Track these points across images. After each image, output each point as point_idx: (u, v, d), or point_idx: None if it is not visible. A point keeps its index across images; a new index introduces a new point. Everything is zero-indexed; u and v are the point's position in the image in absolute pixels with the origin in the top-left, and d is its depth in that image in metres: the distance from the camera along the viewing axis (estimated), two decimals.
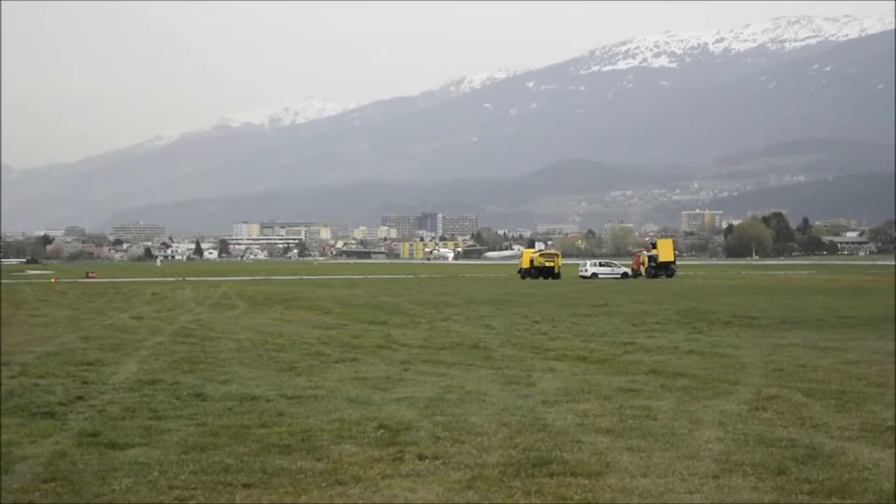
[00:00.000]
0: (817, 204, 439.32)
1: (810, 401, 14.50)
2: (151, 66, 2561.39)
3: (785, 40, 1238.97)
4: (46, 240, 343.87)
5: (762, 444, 11.38)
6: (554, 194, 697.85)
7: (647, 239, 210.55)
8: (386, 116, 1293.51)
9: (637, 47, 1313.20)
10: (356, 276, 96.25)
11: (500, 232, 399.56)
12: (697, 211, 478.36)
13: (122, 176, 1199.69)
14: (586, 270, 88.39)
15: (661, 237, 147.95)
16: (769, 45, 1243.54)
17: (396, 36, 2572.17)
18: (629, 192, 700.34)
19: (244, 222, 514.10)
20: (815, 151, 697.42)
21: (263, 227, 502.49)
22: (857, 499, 9.19)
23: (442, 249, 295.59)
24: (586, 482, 9.73)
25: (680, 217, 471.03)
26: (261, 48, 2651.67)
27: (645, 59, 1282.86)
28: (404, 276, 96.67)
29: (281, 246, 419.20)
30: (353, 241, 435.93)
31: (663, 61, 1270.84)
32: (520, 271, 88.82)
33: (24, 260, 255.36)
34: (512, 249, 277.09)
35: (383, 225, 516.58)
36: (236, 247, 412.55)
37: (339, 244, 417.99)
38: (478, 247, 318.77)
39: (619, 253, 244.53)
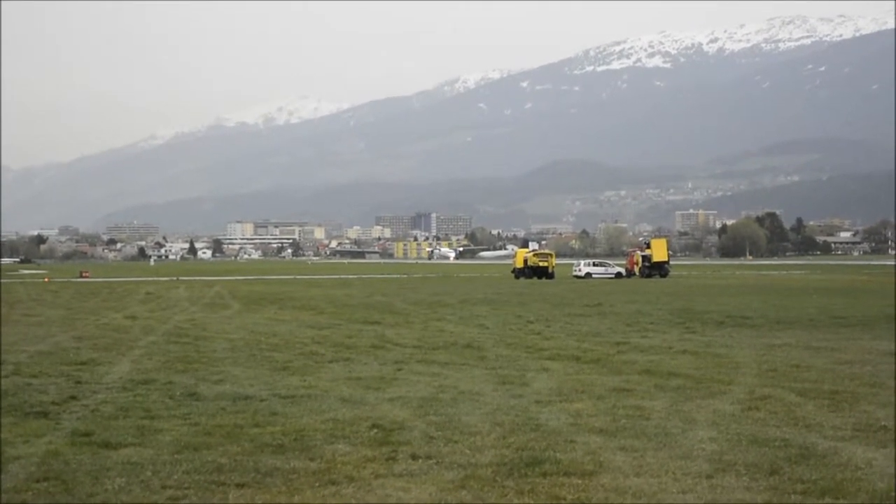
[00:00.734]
0: (811, 204, 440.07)
1: (804, 401, 14.53)
2: (146, 65, 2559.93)
3: (779, 40, 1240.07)
4: (40, 239, 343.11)
5: (755, 444, 11.40)
6: (548, 194, 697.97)
7: (640, 239, 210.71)
8: (380, 116, 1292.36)
9: (631, 47, 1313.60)
10: (350, 276, 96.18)
11: (495, 232, 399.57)
12: (691, 211, 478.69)
13: (116, 175, 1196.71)
14: (580, 270, 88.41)
15: (655, 237, 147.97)
16: (763, 45, 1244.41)
17: (391, 36, 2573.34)
18: (623, 192, 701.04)
19: (238, 222, 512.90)
20: (810, 151, 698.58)
21: (257, 226, 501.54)
22: (850, 498, 9.21)
23: (443, 249, 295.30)
24: (579, 482, 9.74)
25: (674, 217, 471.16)
26: (254, 48, 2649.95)
27: (639, 60, 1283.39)
28: (398, 276, 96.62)
29: (275, 245, 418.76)
30: (348, 241, 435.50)
31: (657, 61, 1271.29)
32: (513, 271, 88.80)
33: (17, 259, 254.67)
34: (506, 249, 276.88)
35: (377, 225, 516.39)
36: (230, 246, 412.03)
37: (333, 244, 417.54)
38: (472, 246, 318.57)
39: (613, 253, 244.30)
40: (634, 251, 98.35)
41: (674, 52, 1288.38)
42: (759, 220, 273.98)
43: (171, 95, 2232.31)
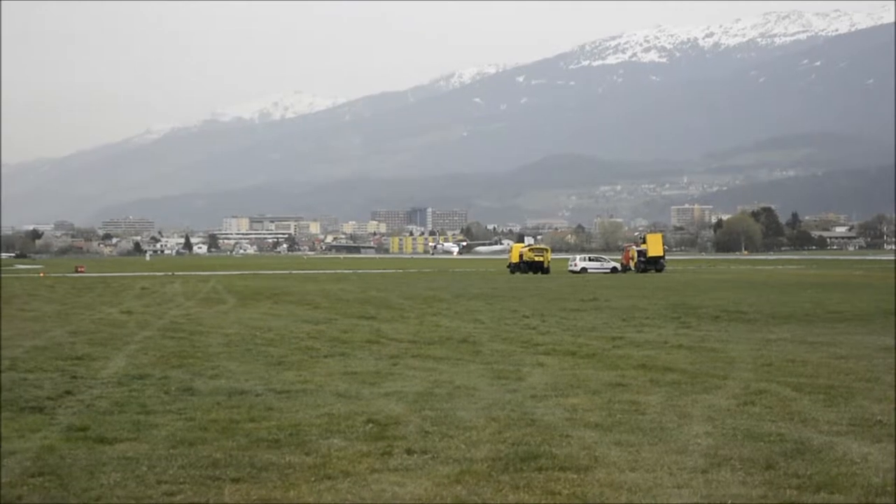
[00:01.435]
0: (807, 199, 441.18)
1: (799, 395, 14.53)
2: (141, 61, 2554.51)
3: (775, 35, 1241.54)
4: (36, 234, 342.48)
5: (751, 439, 11.41)
6: (543, 189, 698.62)
7: (636, 234, 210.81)
8: (376, 111, 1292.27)
9: (627, 42, 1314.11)
10: (346, 271, 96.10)
11: (490, 227, 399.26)
12: (687, 206, 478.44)
13: (111, 171, 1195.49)
14: (576, 265, 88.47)
15: (651, 232, 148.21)
16: (759, 40, 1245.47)
17: (387, 31, 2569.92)
18: (619, 187, 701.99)
19: (233, 217, 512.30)
20: (805, 146, 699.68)
21: (253, 221, 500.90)
22: (846, 493, 9.22)
23: (446, 244, 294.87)
24: (575, 477, 9.75)
25: (669, 212, 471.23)
26: (250, 43, 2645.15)
27: (635, 54, 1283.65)
28: (394, 271, 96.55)
29: (270, 240, 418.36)
30: (343, 236, 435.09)
31: (653, 56, 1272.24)
32: (509, 266, 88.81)
33: (13, 254, 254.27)
34: (501, 244, 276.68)
35: (373, 219, 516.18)
36: (226, 241, 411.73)
37: (329, 239, 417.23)
38: (468, 241, 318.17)
39: (608, 248, 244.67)
40: (630, 246, 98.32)
41: (669, 46, 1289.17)
42: (755, 214, 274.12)
43: (166, 91, 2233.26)
